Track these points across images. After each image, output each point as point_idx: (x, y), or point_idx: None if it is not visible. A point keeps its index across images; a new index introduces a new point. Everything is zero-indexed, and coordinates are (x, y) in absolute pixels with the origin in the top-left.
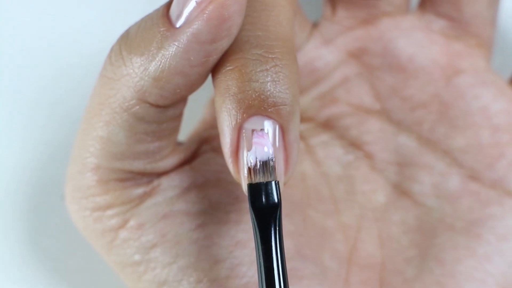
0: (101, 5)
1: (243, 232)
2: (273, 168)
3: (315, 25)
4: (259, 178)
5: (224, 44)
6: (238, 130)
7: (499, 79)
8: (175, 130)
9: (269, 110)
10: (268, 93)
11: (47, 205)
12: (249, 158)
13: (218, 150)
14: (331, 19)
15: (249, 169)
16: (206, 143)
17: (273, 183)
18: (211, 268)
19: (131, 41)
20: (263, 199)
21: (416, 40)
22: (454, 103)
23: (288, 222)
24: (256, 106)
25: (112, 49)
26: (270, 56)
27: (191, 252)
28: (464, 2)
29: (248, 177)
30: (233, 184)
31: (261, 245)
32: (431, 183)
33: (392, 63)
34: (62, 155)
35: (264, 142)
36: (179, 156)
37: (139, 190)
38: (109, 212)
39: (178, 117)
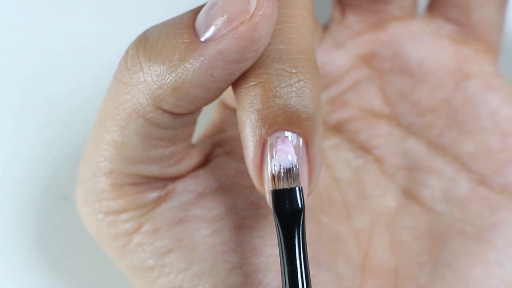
0: (100, 5)
1: (259, 238)
2: (297, 174)
3: (325, 28)
4: (283, 185)
5: (249, 64)
6: (263, 145)
7: (507, 84)
8: (190, 135)
9: (294, 125)
10: (293, 109)
11: (49, 206)
12: (272, 165)
13: (231, 153)
14: (341, 23)
15: (272, 176)
16: (218, 146)
17: (296, 189)
18: (227, 274)
19: (150, 47)
20: (287, 205)
21: (425, 45)
22: (463, 108)
23: None
24: (281, 122)
25: (127, 53)
26: (293, 71)
27: (207, 258)
28: (472, 7)
29: (272, 183)
30: (248, 189)
31: (285, 250)
32: (440, 188)
33: (402, 67)
34: (64, 156)
35: (287, 149)
36: (193, 160)
37: (154, 195)
38: (123, 216)
39: (193, 123)
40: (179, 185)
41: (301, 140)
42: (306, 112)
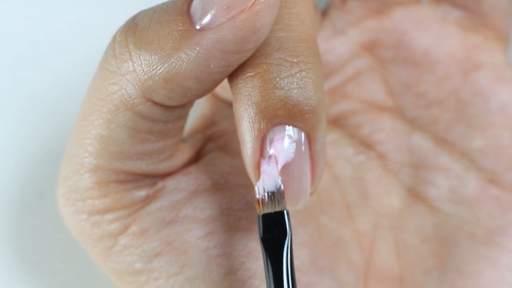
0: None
1: (256, 241)
2: (282, 196)
3: (324, 14)
4: (268, 209)
5: (249, 54)
6: (262, 140)
7: None
8: (181, 128)
9: (295, 119)
10: (295, 101)
11: (23, 204)
12: (256, 189)
13: (224, 148)
14: (341, 8)
15: (257, 200)
16: (211, 141)
17: (284, 212)
18: (221, 280)
19: (141, 34)
20: (273, 230)
21: (431, 32)
22: (472, 101)
23: (303, 231)
24: (281, 116)
25: (115, 40)
26: (294, 60)
27: (199, 262)
28: None
29: (257, 208)
30: (244, 188)
31: (272, 277)
32: (447, 187)
33: (406, 56)
34: (40, 150)
35: (271, 170)
36: (184, 155)
37: (142, 193)
38: (109, 216)
39: (185, 116)
40: (169, 183)
41: (303, 135)
42: (309, 104)
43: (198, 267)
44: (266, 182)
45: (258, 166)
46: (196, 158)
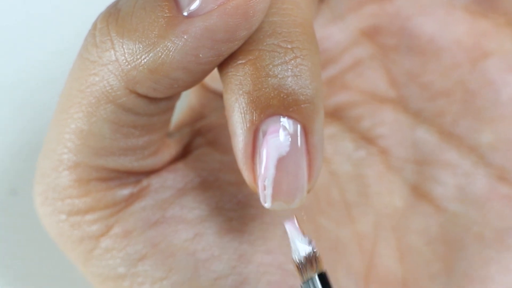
0: None
1: (248, 243)
2: (318, 255)
3: None
4: (310, 273)
5: (240, 43)
6: (254, 132)
7: None
8: (167, 122)
9: (290, 109)
10: (289, 90)
11: None
12: (295, 257)
13: (214, 143)
14: None
15: (296, 266)
16: (199, 135)
17: (325, 274)
18: (210, 285)
19: (123, 21)
20: None
21: (437, 18)
22: (481, 91)
23: None
24: (275, 106)
25: (95, 27)
26: (288, 46)
27: (187, 266)
28: None
29: (299, 275)
30: (235, 186)
31: None
32: (454, 184)
33: (410, 44)
34: (13, 144)
35: (295, 230)
36: (171, 151)
37: (125, 192)
38: (89, 217)
39: (171, 109)
40: (155, 181)
41: (299, 126)
42: (305, 93)
43: (185, 272)
44: (298, 246)
45: (251, 161)
46: (184, 153)
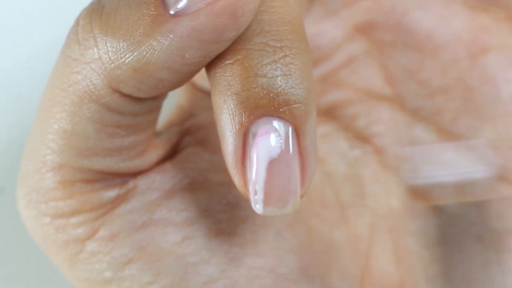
0: None
1: (238, 246)
2: None
3: None
4: None
5: (228, 44)
6: (244, 135)
7: None
8: (153, 122)
9: (281, 110)
10: (279, 89)
11: None
12: None
13: (203, 142)
14: None
15: None
16: (188, 135)
17: None
18: None
19: (107, 18)
20: None
21: (435, 13)
22: (481, 88)
23: (291, 235)
24: (264, 106)
25: (78, 23)
26: (277, 45)
27: (175, 270)
28: None
29: None
30: (225, 187)
31: None
32: (453, 185)
33: (407, 40)
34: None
35: None
36: (158, 151)
37: (111, 194)
38: (75, 220)
39: (157, 108)
40: (142, 182)
41: (290, 128)
42: (295, 93)
43: (174, 276)
44: None
45: (241, 165)
46: (172, 154)
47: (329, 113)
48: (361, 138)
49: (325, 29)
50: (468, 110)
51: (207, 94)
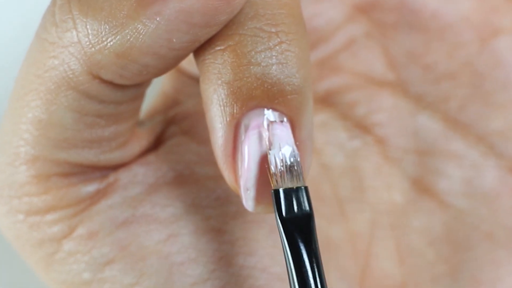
0: None
1: (228, 244)
2: (302, 169)
3: None
4: (288, 183)
5: (219, 28)
6: (235, 127)
7: None
8: (136, 111)
9: (275, 101)
10: (274, 79)
11: None
12: (272, 158)
13: (190, 132)
14: None
15: (273, 173)
16: (173, 124)
17: (307, 188)
18: None
19: None
20: (295, 209)
21: None
22: (491, 73)
23: None
24: (258, 97)
25: (55, 3)
26: (273, 30)
27: (160, 270)
28: None
29: (273, 182)
30: (213, 180)
31: (295, 267)
32: (461, 178)
33: (411, 21)
34: None
35: (286, 135)
36: (141, 142)
37: (90, 188)
38: (50, 217)
39: (140, 96)
40: (123, 176)
41: (285, 119)
42: (291, 83)
43: (158, 277)
44: (282, 150)
45: (232, 159)
46: (156, 144)
47: (327, 100)
48: (361, 127)
49: (324, 9)
50: (477, 97)
51: (194, 79)
